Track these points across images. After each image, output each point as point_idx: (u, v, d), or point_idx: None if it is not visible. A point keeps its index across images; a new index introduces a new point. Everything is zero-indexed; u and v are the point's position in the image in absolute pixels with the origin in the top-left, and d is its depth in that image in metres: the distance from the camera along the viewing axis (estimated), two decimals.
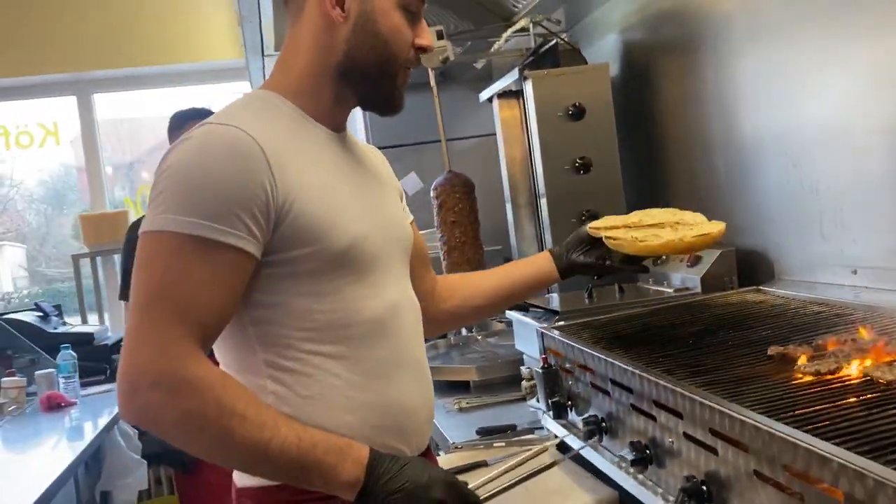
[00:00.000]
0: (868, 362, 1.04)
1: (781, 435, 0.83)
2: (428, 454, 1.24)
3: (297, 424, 1.00)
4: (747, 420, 0.89)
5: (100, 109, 4.58)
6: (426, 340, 1.25)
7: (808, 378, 1.04)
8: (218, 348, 1.09)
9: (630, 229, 1.43)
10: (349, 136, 1.22)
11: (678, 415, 1.05)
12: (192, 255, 0.95)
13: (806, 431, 0.84)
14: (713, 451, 0.97)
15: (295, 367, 1.05)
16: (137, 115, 5.13)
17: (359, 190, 1.14)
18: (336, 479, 0.98)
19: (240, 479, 1.11)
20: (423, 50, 1.12)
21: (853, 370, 1.03)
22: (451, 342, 2.60)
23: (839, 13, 1.49)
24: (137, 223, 2.54)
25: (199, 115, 2.40)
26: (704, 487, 0.99)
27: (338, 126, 1.17)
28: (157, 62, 4.30)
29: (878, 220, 1.50)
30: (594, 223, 1.47)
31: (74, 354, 3.07)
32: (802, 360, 1.10)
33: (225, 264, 0.97)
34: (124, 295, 2.46)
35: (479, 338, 2.59)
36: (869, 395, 0.95)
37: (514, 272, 1.49)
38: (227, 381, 0.99)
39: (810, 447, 0.79)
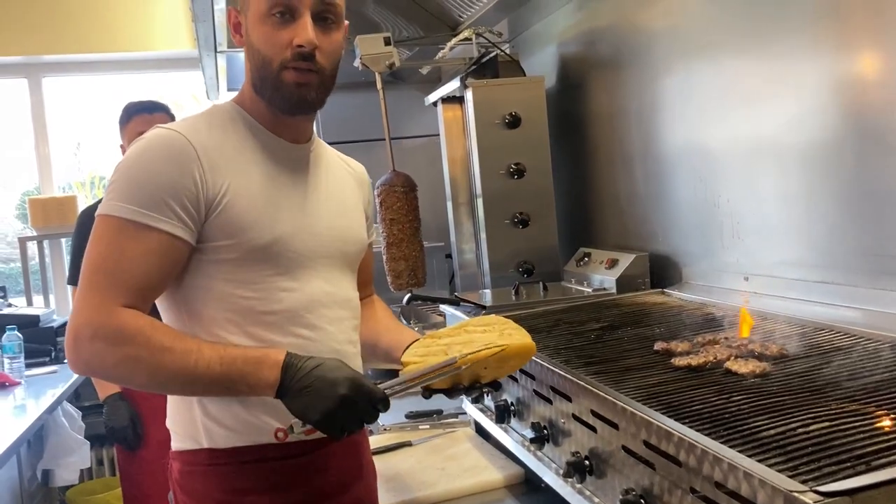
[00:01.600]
0: (731, 357, 1.20)
1: (642, 415, 0.99)
2: (361, 433, 1.34)
3: (219, 346, 1.13)
4: (618, 403, 1.05)
5: (52, 92, 4.56)
6: None
7: (682, 370, 1.21)
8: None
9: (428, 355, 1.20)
10: (317, 149, 1.32)
11: (568, 399, 1.21)
12: (127, 235, 1.12)
13: (665, 413, 1.00)
14: (593, 429, 1.13)
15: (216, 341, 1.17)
16: (83, 96, 5.08)
17: (299, 196, 1.26)
18: (258, 384, 1.10)
19: (173, 443, 1.26)
20: (300, 47, 1.17)
21: (718, 364, 1.20)
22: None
23: (753, 40, 1.65)
24: (88, 209, 2.59)
25: (146, 108, 2.48)
26: (587, 462, 1.15)
27: (296, 137, 1.28)
28: (110, 49, 4.31)
29: (769, 233, 1.68)
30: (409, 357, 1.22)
31: (20, 336, 3.11)
32: (679, 355, 1.27)
33: (155, 245, 1.13)
34: (73, 279, 2.51)
35: (416, 329, 2.72)
36: (728, 384, 1.12)
37: (386, 339, 1.42)
38: (154, 324, 1.12)
39: (661, 425, 0.95)
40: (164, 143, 1.16)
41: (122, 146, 2.51)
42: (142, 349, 1.09)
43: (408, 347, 1.25)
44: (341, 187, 1.37)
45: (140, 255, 1.12)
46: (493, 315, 1.30)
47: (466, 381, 1.18)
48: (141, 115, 2.46)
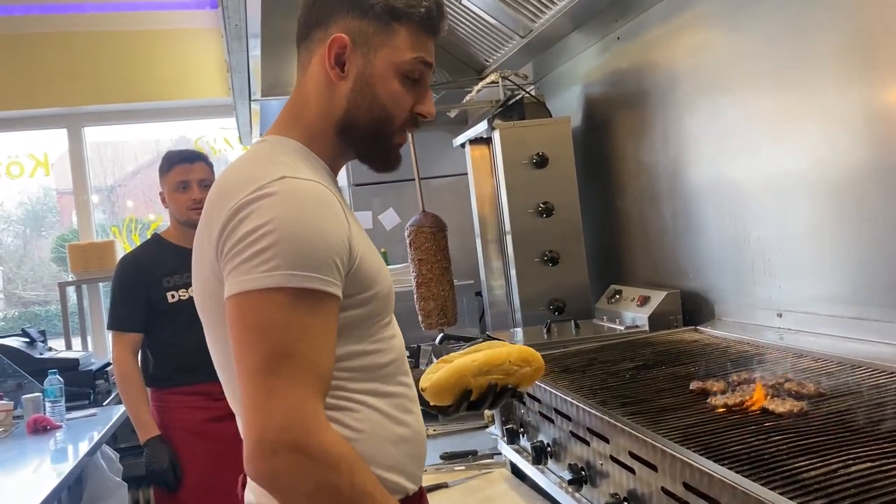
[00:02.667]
0: (768, 396, 1.21)
1: (681, 457, 1.00)
2: None
3: None
4: (657, 444, 1.06)
5: (86, 134, 4.71)
6: None
7: (719, 409, 1.21)
8: None
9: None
10: None
11: (606, 440, 1.21)
12: (306, 308, 0.96)
13: (703, 454, 1.00)
14: (632, 471, 1.13)
15: (345, 405, 1.05)
16: (120, 138, 5.23)
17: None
18: None
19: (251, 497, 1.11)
20: (422, 116, 1.13)
21: (755, 403, 1.20)
22: (421, 371, 2.74)
23: (778, 76, 1.68)
24: (128, 255, 2.65)
25: (186, 158, 2.56)
26: (625, 503, 1.15)
27: (335, 174, 1.19)
28: (147, 98, 4.46)
29: (801, 269, 1.68)
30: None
31: (61, 379, 3.18)
32: (715, 395, 1.27)
33: (330, 314, 0.99)
34: (112, 324, 2.57)
35: None
36: (766, 424, 1.12)
37: None
38: (353, 454, 0.99)
39: (703, 468, 0.95)
40: (317, 196, 1.01)
41: (161, 194, 2.59)
42: (344, 482, 0.94)
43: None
44: None
45: (323, 330, 0.97)
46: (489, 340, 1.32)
47: (478, 386, 1.18)
48: (182, 165, 2.54)
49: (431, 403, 1.23)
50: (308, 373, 0.95)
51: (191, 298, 2.46)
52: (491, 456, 1.93)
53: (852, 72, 1.46)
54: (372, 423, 1.06)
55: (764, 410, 1.16)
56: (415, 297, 2.54)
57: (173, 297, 2.50)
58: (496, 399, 1.22)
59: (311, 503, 0.94)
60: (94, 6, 4.25)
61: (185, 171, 2.53)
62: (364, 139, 1.13)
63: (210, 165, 2.62)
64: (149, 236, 2.79)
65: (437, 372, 1.20)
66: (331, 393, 1.02)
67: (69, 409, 3.25)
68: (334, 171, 1.17)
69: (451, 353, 1.27)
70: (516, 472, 1.75)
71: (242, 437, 0.96)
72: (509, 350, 1.22)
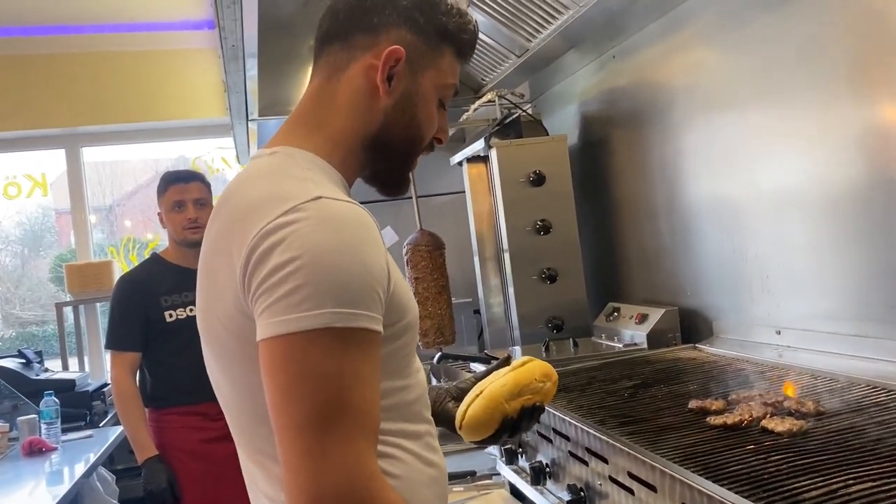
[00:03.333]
0: (767, 415, 1.20)
1: (680, 478, 0.99)
2: None
3: None
4: (656, 465, 1.05)
5: (84, 152, 4.72)
6: None
7: (718, 428, 1.20)
8: (266, 440, 0.95)
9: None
10: None
11: (605, 460, 1.20)
12: (356, 350, 0.85)
13: (703, 475, 0.99)
14: (631, 492, 1.12)
15: (381, 449, 0.92)
16: (119, 158, 5.23)
17: None
18: None
19: None
20: (439, 141, 1.10)
21: (754, 422, 1.19)
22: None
23: (774, 94, 1.68)
24: (127, 276, 2.65)
25: (182, 178, 2.57)
26: None
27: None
28: (144, 119, 4.48)
29: (799, 286, 1.67)
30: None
31: (57, 401, 3.16)
32: (714, 413, 1.26)
33: (377, 354, 0.88)
34: (109, 343, 2.57)
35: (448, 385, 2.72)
36: (765, 443, 1.11)
37: None
38: None
39: (702, 489, 0.95)
40: (358, 221, 0.89)
41: (159, 214, 2.59)
42: None
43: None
44: None
45: (373, 374, 0.86)
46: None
47: (513, 411, 1.13)
48: (177, 185, 2.54)
49: (469, 441, 1.18)
50: (364, 425, 0.84)
51: (189, 318, 2.48)
52: (490, 476, 1.91)
53: (848, 89, 1.47)
54: (407, 468, 0.97)
55: (763, 429, 1.16)
56: None
57: (171, 316, 2.50)
58: (530, 420, 1.16)
59: None
60: (92, 27, 4.27)
61: (180, 190, 2.53)
62: (392, 157, 1.06)
63: (207, 185, 2.62)
64: (147, 256, 2.78)
65: (469, 406, 1.14)
66: None
67: (65, 431, 3.23)
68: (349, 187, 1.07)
69: (461, 381, 1.23)
70: (515, 492, 1.73)
71: (285, 494, 0.84)
72: (532, 368, 1.18)
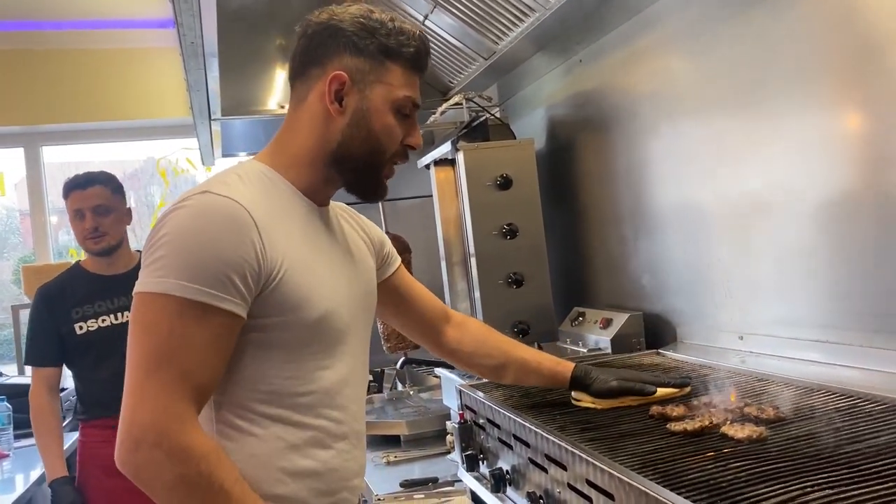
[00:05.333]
0: (727, 422, 1.18)
1: (638, 486, 0.97)
2: None
3: None
4: (614, 472, 1.03)
5: (47, 153, 4.60)
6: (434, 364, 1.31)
7: (677, 435, 1.19)
8: None
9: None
10: (332, 209, 1.29)
11: (563, 467, 1.18)
12: (192, 319, 1.02)
13: (662, 483, 0.97)
14: (589, 499, 1.10)
15: (244, 426, 1.11)
16: (84, 159, 5.12)
17: (335, 265, 1.21)
18: None
19: None
20: (411, 148, 1.22)
21: (714, 428, 1.18)
22: (385, 398, 2.70)
23: (739, 100, 1.68)
24: (44, 287, 2.48)
25: (79, 184, 2.41)
26: None
27: (324, 201, 1.24)
28: (106, 118, 4.38)
29: (763, 292, 1.67)
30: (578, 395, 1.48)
31: (9, 406, 3.06)
32: (675, 420, 1.24)
33: (221, 328, 1.04)
34: (29, 359, 2.46)
35: (412, 393, 2.69)
36: (724, 450, 1.09)
37: (535, 358, 1.53)
38: (220, 454, 1.04)
39: (659, 497, 0.92)
40: (222, 212, 1.06)
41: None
42: (202, 479, 1.00)
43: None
44: (359, 244, 1.33)
45: (206, 341, 1.03)
46: None
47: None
48: (75, 192, 2.41)
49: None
50: (182, 380, 1.01)
51: (101, 329, 2.38)
52: (452, 483, 1.88)
53: (813, 96, 1.47)
54: (268, 450, 1.11)
55: (723, 436, 1.14)
56: (377, 320, 2.51)
57: (81, 328, 2.40)
58: None
59: (169, 494, 1.01)
60: (52, 24, 4.16)
61: (78, 198, 2.39)
62: (356, 169, 1.19)
63: (113, 187, 2.45)
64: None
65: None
66: (234, 411, 1.10)
67: (18, 437, 3.13)
68: (318, 198, 1.22)
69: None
70: (476, 500, 1.70)
71: None
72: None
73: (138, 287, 1.05)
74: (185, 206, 1.07)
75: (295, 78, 1.22)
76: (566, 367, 1.50)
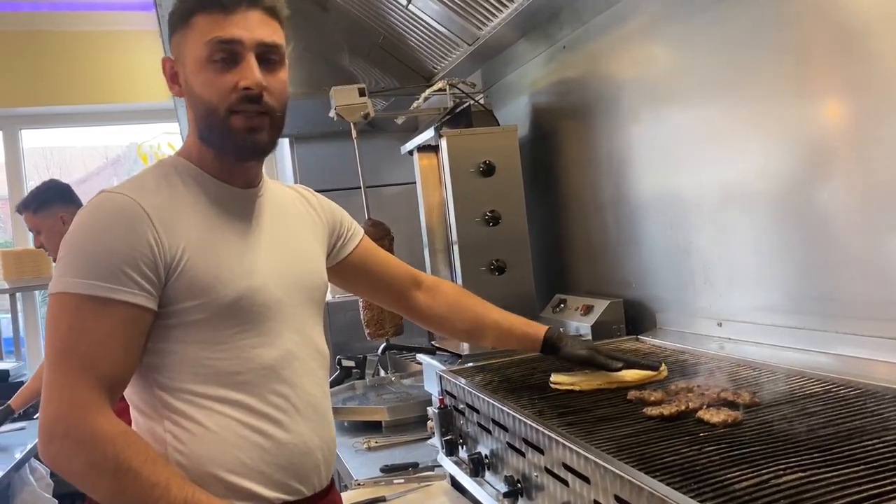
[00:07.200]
0: (703, 406, 1.19)
1: (613, 469, 0.97)
2: (331, 491, 1.32)
3: (190, 486, 1.07)
4: (590, 456, 1.03)
5: (28, 138, 4.55)
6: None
7: (654, 419, 1.19)
8: (126, 392, 1.18)
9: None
10: (267, 190, 1.29)
11: (541, 451, 1.19)
12: (89, 313, 1.06)
13: (636, 467, 0.98)
14: (566, 483, 1.10)
15: (188, 409, 1.14)
16: (67, 144, 5.07)
17: (257, 244, 1.23)
18: None
19: None
20: (247, 89, 1.14)
21: (691, 413, 1.19)
22: (367, 384, 2.70)
23: (719, 88, 1.68)
24: None
25: (18, 210, 2.67)
26: None
27: (246, 182, 1.25)
28: (87, 101, 4.33)
29: (741, 279, 1.68)
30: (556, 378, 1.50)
31: None
32: (652, 404, 1.25)
33: (119, 319, 1.08)
34: None
35: (394, 379, 2.70)
36: (700, 434, 1.10)
37: (508, 321, 1.58)
38: (128, 437, 1.07)
39: (633, 480, 0.93)
40: (112, 209, 1.10)
41: None
42: (108, 462, 1.03)
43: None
44: (298, 226, 1.34)
45: (105, 333, 1.07)
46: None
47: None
48: (24, 215, 2.65)
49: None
50: (86, 370, 1.05)
51: None
52: (432, 468, 1.89)
53: (790, 84, 1.47)
54: (218, 429, 1.14)
55: (699, 420, 1.15)
56: (360, 303, 2.51)
57: None
58: None
59: (83, 480, 1.05)
60: (30, 5, 4.11)
61: (27, 220, 2.65)
62: (210, 136, 1.19)
63: (35, 207, 2.63)
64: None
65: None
66: (177, 395, 1.13)
67: None
68: (236, 181, 1.23)
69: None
70: (456, 484, 1.71)
71: None
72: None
73: (49, 288, 1.11)
74: (86, 206, 1.13)
75: None
76: (537, 330, 1.55)
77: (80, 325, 1.06)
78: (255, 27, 1.16)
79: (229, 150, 1.19)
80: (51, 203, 2.61)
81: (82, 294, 1.06)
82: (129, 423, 1.18)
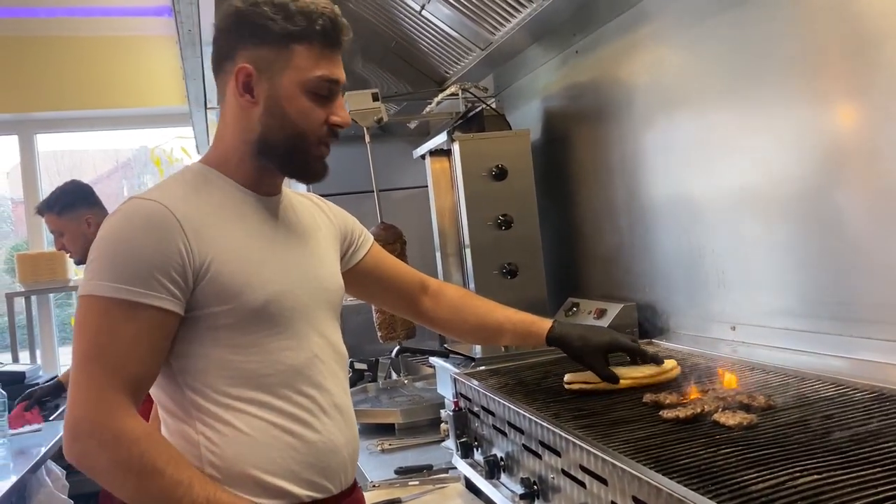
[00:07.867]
0: (719, 409, 1.20)
1: (630, 471, 0.98)
2: (355, 489, 1.34)
3: (212, 485, 1.11)
4: (607, 458, 1.04)
5: (41, 141, 4.59)
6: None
7: (670, 422, 1.20)
8: (155, 395, 1.22)
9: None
10: (285, 197, 1.33)
11: (557, 454, 1.20)
12: (118, 316, 1.09)
13: (654, 468, 0.99)
14: (583, 485, 1.12)
15: (219, 411, 1.16)
16: (79, 147, 5.11)
17: (281, 250, 1.26)
18: None
19: None
20: (338, 126, 1.23)
21: (706, 415, 1.20)
22: (380, 387, 2.71)
23: (732, 93, 1.69)
24: None
25: (39, 211, 2.71)
26: None
27: (270, 191, 1.29)
28: (102, 105, 4.37)
29: (755, 283, 1.69)
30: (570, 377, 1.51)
31: (4, 393, 3.06)
32: (668, 407, 1.26)
33: (147, 323, 1.10)
34: None
35: (406, 381, 2.71)
36: (716, 437, 1.11)
37: (511, 321, 1.59)
38: (153, 436, 1.10)
39: (650, 481, 0.94)
40: (144, 215, 1.13)
41: None
42: (133, 461, 1.06)
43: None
44: (315, 231, 1.38)
45: (133, 336, 1.09)
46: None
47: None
48: (45, 216, 2.70)
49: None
50: (112, 373, 1.08)
51: None
52: (446, 470, 1.90)
53: (804, 88, 1.48)
54: (249, 430, 1.16)
55: (715, 423, 1.16)
56: (372, 309, 2.52)
57: None
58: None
59: (108, 479, 1.08)
60: (46, 10, 4.15)
61: (48, 220, 2.70)
62: (282, 156, 1.22)
63: (59, 209, 2.67)
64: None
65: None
66: (209, 398, 1.16)
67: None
68: (261, 189, 1.26)
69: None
70: (471, 486, 1.72)
71: None
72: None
73: (78, 291, 1.14)
74: (116, 212, 1.16)
75: (216, 74, 1.26)
76: (540, 328, 1.55)
77: (108, 327, 1.09)
78: (342, 68, 1.24)
79: (300, 172, 1.26)
80: (76, 205, 2.64)
81: (112, 297, 1.09)
82: (149, 423, 1.21)
